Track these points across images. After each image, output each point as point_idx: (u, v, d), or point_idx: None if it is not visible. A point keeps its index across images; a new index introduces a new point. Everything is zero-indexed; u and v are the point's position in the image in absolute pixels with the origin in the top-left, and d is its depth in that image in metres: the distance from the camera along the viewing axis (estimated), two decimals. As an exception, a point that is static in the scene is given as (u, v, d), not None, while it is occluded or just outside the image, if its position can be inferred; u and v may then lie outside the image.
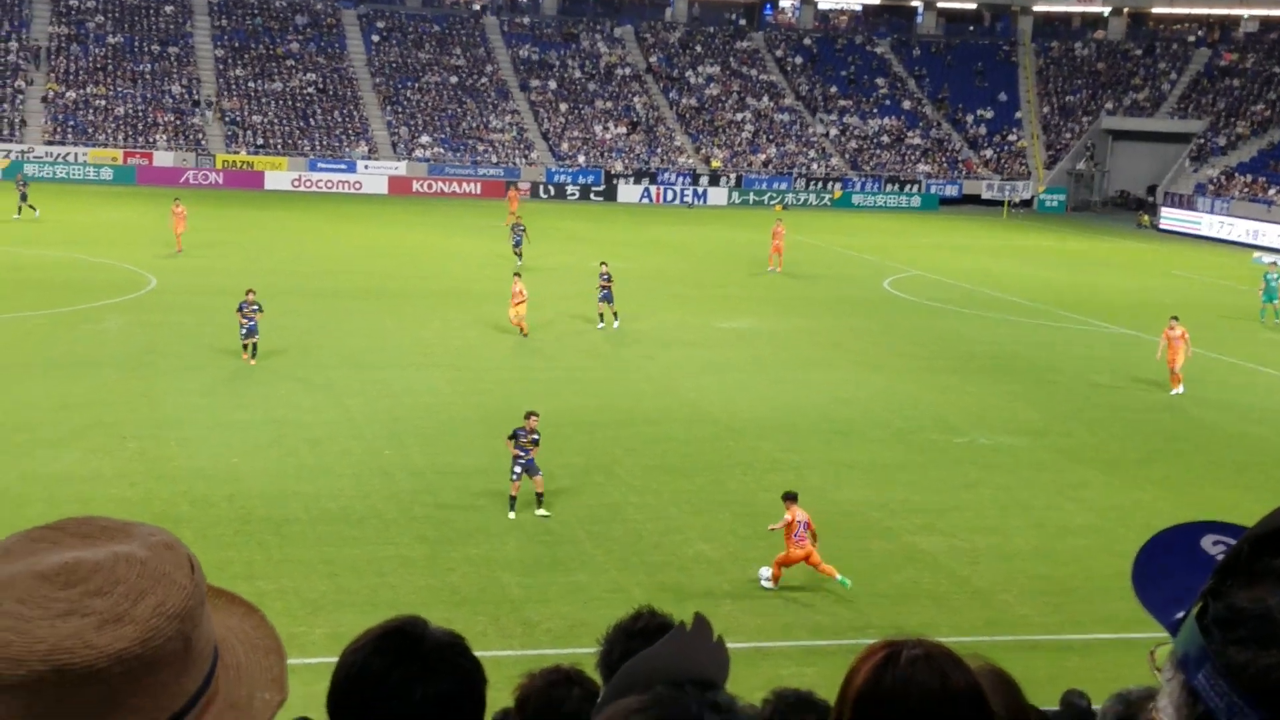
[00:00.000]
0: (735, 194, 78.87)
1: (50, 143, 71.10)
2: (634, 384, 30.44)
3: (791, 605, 18.22)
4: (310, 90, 79.91)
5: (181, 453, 23.26)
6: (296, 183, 72.47)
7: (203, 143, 73.87)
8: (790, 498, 18.86)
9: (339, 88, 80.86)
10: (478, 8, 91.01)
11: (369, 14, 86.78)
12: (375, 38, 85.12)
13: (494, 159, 78.11)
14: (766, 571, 18.62)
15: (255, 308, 29.44)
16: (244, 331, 29.79)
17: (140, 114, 74.83)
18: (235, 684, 1.60)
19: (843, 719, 1.92)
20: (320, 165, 74.11)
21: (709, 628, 2.14)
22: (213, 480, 21.80)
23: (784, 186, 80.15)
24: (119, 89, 76.11)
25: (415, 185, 74.82)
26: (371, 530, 20.06)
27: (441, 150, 77.85)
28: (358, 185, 73.57)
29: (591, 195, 77.05)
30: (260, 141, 75.14)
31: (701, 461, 24.46)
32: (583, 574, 18.97)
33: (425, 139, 78.31)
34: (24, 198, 52.35)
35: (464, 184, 75.64)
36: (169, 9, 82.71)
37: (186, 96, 77.02)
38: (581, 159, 79.71)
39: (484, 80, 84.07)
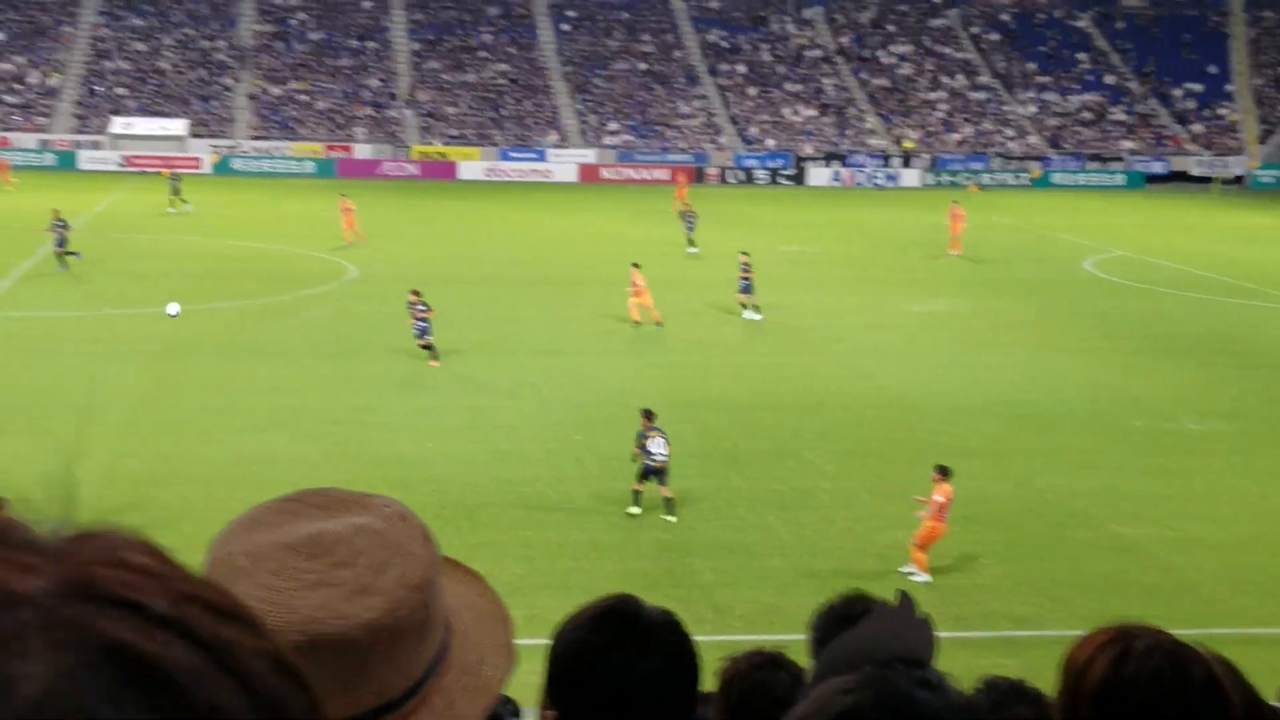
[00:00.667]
0: (929, 175, 77.41)
1: (256, 138, 73.77)
2: (825, 368, 30.08)
3: (990, 594, 17.74)
4: (502, 81, 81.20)
5: (380, 438, 23.82)
6: (488, 172, 73.76)
7: (399, 135, 75.72)
8: (943, 472, 18.28)
9: (530, 77, 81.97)
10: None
11: (559, 3, 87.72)
12: (565, 26, 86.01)
13: (682, 144, 78.20)
14: (921, 577, 18.00)
15: (422, 308, 29.55)
16: (416, 333, 29.39)
17: (340, 108, 77.09)
18: (466, 650, 1.64)
19: (1077, 710, 1.80)
20: (511, 154, 75.28)
21: (914, 605, 2.10)
22: (410, 465, 22.27)
23: (980, 166, 78.37)
24: (320, 84, 78.55)
25: (604, 172, 75.41)
26: (564, 515, 20.23)
27: (630, 137, 78.28)
28: (548, 173, 74.49)
29: (780, 179, 76.54)
30: (454, 132, 76.67)
31: (895, 447, 24.02)
32: (775, 559, 18.79)
33: (614, 126, 78.84)
34: (176, 192, 53.28)
35: (653, 170, 75.92)
36: (367, 4, 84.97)
37: (384, 90, 79.04)
38: (770, 142, 79.24)
39: (672, 66, 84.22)
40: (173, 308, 28.70)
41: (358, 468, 22.03)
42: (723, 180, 75.61)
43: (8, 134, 70.61)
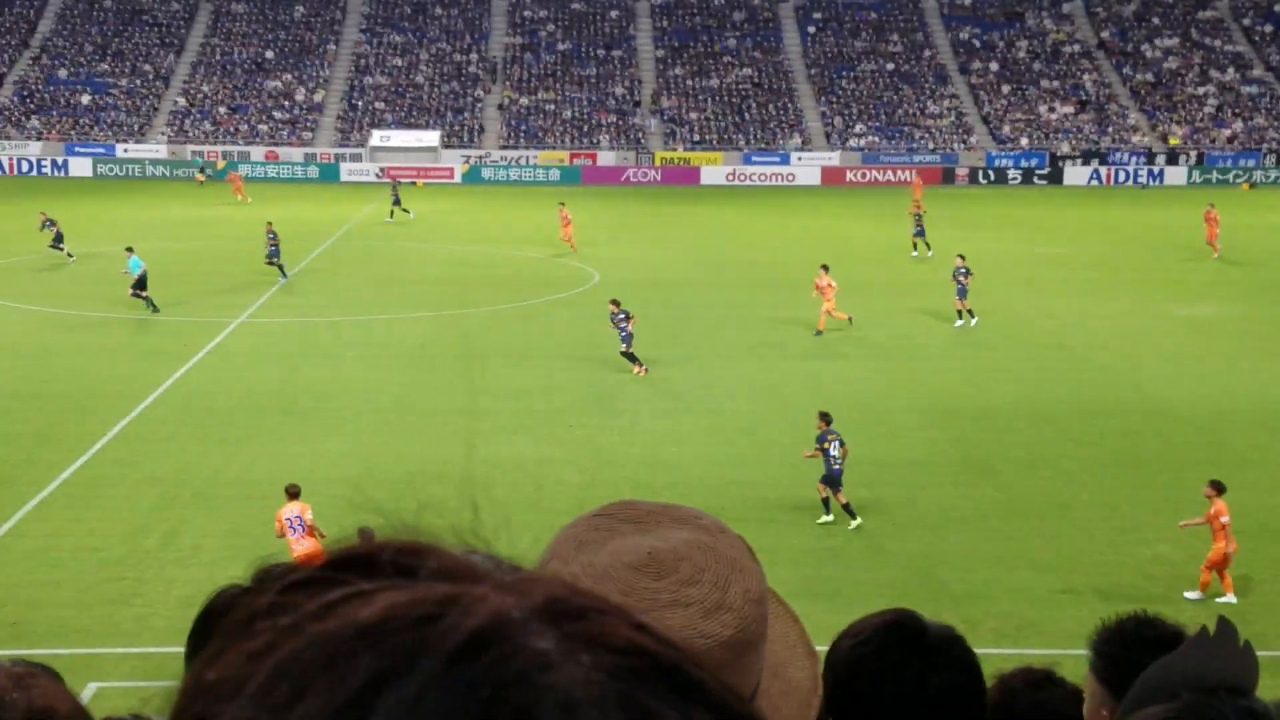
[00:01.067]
0: (1196, 173, 73.72)
1: (504, 147, 75.48)
2: (1084, 374, 28.75)
3: (1271, 613, 16.48)
4: (746, 85, 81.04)
5: (623, 440, 23.81)
6: (731, 177, 73.64)
7: (643, 141, 76.34)
8: (1217, 487, 17.06)
9: (774, 81, 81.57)
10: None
11: (805, 6, 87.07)
12: (811, 29, 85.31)
13: (930, 145, 76.53)
14: (1193, 594, 16.88)
15: (622, 316, 28.71)
16: (622, 342, 28.75)
17: (585, 116, 78.22)
18: (770, 653, 1.60)
19: None
20: (754, 159, 74.99)
21: (1235, 631, 2.06)
22: (654, 468, 22.16)
23: (1251, 163, 74.24)
24: (567, 93, 79.88)
25: (849, 175, 74.40)
26: (808, 520, 19.78)
27: (876, 139, 77.04)
28: (790, 177, 73.92)
29: (1035, 179, 74.10)
30: (697, 138, 76.86)
31: (1159, 457, 22.72)
32: (1028, 572, 17.93)
33: (859, 128, 77.73)
34: (397, 201, 54.18)
35: (899, 172, 74.50)
36: (614, 14, 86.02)
37: (628, 98, 79.86)
38: (1024, 141, 76.83)
39: (921, 65, 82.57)
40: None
41: (602, 470, 22.05)
42: (973, 181, 73.64)
43: (276, 148, 74.10)
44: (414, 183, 71.62)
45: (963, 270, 33.47)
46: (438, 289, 38.77)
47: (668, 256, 44.83)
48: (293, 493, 17.15)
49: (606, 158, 74.87)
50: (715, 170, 74.12)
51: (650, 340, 31.72)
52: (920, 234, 45.39)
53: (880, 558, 18.41)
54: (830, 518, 19.66)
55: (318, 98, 78.83)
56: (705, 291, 37.47)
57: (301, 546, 16.34)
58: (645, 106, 79.10)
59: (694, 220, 56.12)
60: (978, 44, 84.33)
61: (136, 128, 75.31)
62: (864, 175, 74.50)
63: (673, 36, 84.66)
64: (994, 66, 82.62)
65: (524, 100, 79.31)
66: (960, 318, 33.54)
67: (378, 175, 72.17)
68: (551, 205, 61.43)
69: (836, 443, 19.73)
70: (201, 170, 69.64)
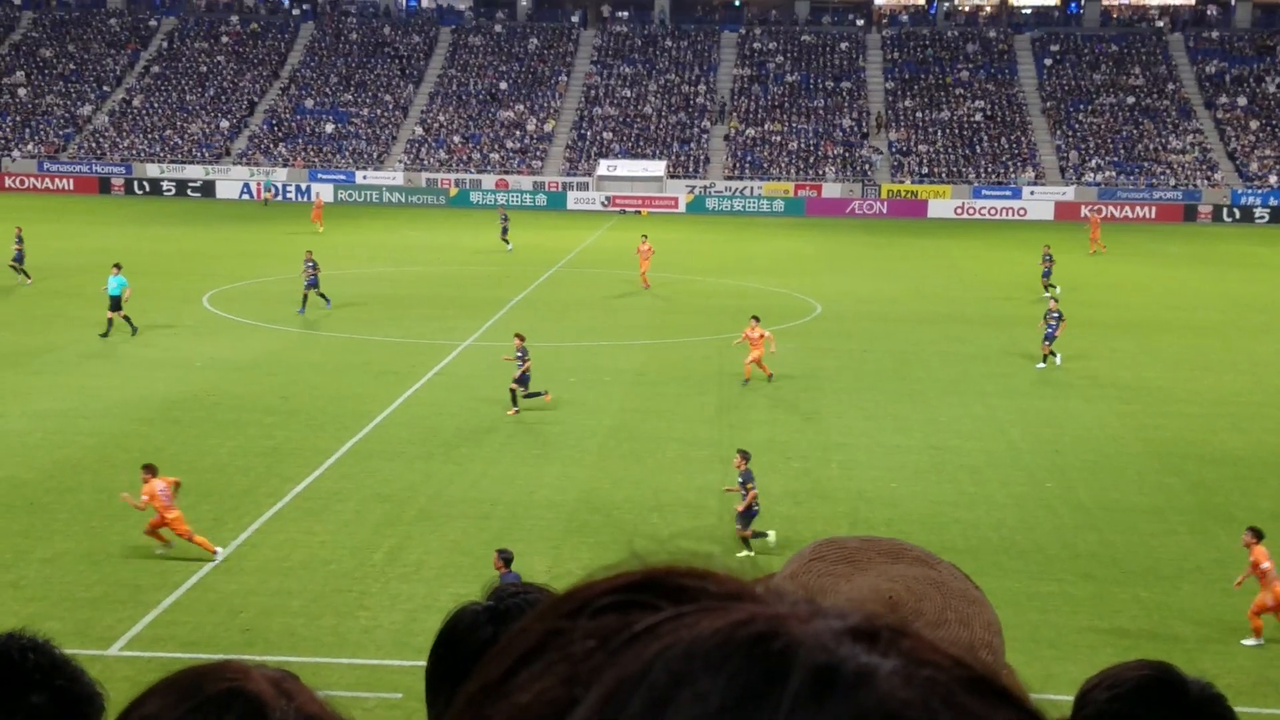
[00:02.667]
0: None
1: (729, 178, 75.73)
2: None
3: None
4: (978, 117, 79.57)
5: (842, 474, 23.47)
6: (959, 210, 72.29)
7: (869, 174, 75.60)
8: (1256, 534, 16.23)
9: (1007, 114, 79.88)
10: (1161, 24, 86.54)
11: (1043, 38, 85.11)
12: (1048, 61, 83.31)
13: (1171, 181, 73.71)
14: (1251, 641, 16.28)
15: (521, 353, 26.81)
16: (517, 379, 27.01)
17: (811, 148, 77.92)
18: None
19: None
20: (984, 192, 73.46)
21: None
22: (873, 503, 21.78)
23: None
24: (793, 125, 79.74)
25: (1084, 210, 72.18)
26: (1033, 564, 19.11)
27: (1113, 174, 74.61)
28: (1022, 212, 72.14)
29: (1283, 218, 70.69)
30: (925, 170, 75.73)
31: None
32: (1270, 628, 16.93)
33: (1095, 162, 75.41)
34: (505, 231, 53.65)
35: (1136, 208, 71.99)
36: (844, 46, 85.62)
37: (856, 130, 79.27)
38: (1273, 179, 73.33)
39: (1164, 99, 79.71)
40: None
41: (818, 504, 21.77)
42: (1216, 219, 70.61)
43: (507, 176, 76.00)
44: (639, 211, 72.51)
45: (1055, 314, 32.09)
46: (659, 317, 39.03)
47: (892, 290, 44.20)
48: (152, 470, 18.58)
49: (832, 189, 74.38)
50: (943, 203, 72.88)
51: (873, 374, 31.29)
52: (1047, 275, 43.21)
53: (1109, 606, 17.65)
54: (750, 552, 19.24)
55: (548, 128, 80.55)
56: (929, 326, 36.79)
57: (172, 513, 18.20)
58: (871, 141, 78.37)
59: (920, 253, 55.23)
60: (1226, 78, 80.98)
61: (375, 155, 78.24)
62: (1100, 211, 72.20)
63: (903, 68, 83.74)
64: (1242, 101, 79.19)
65: (750, 131, 79.49)
66: (1044, 360, 32.19)
67: (603, 204, 73.30)
68: (776, 236, 61.40)
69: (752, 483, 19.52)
70: (269, 190, 72.99)
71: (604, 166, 75.86)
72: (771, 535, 19.66)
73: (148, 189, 74.57)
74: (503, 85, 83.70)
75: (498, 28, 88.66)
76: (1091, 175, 74.49)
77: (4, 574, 17.70)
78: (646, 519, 20.55)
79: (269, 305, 39.15)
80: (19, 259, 42.11)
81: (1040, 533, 20.40)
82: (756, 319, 31.04)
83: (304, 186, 75.28)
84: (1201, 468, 23.88)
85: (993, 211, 71.88)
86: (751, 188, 74.63)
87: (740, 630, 0.70)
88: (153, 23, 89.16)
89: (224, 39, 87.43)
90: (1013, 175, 75.00)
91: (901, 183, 74.68)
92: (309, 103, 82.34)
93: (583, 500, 21.51)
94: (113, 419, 25.60)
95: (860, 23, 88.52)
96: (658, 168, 75.69)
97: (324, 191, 74.81)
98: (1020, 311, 40.21)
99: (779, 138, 78.83)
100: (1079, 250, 57.00)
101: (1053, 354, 32.25)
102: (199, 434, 24.78)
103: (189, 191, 74.59)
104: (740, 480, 19.58)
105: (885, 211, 72.67)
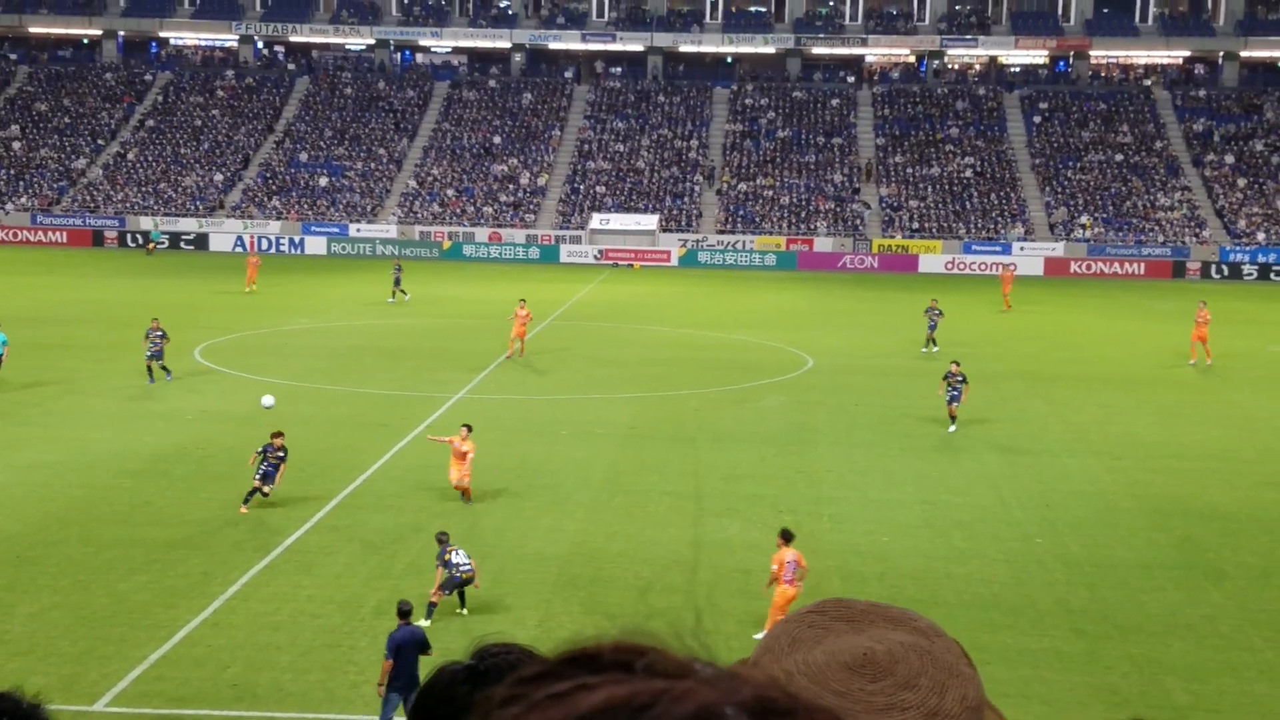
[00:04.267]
0: None
1: (721, 232, 76.06)
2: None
3: None
4: (968, 173, 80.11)
5: (834, 528, 23.45)
6: (950, 265, 72.63)
7: (860, 228, 75.97)
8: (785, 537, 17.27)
9: (997, 170, 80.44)
10: (1149, 83, 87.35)
11: (1032, 95, 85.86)
12: (1037, 119, 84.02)
13: (1160, 238, 74.18)
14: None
15: (279, 451, 23.46)
16: (259, 475, 23.42)
17: (803, 202, 78.35)
18: None
19: None
20: (975, 248, 73.84)
21: None
22: (864, 557, 21.75)
23: None
24: (785, 179, 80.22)
25: (1073, 266, 72.57)
26: (1025, 620, 19.06)
27: (1102, 230, 75.06)
28: (1012, 267, 72.39)
29: (1272, 275, 71.03)
30: (915, 225, 76.14)
31: None
32: (1260, 685, 16.92)
33: (1085, 219, 75.87)
34: (398, 282, 53.97)
35: (1126, 264, 72.40)
36: (835, 102, 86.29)
37: (847, 184, 79.75)
38: (1261, 236, 73.84)
39: (1152, 157, 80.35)
40: (267, 400, 28.46)
41: (810, 558, 21.69)
42: (1205, 276, 71.01)
43: (500, 229, 76.25)
44: (631, 265, 72.74)
45: (959, 377, 31.15)
46: (651, 370, 39.08)
47: (884, 344, 44.32)
48: None
49: (823, 244, 74.71)
50: (934, 258, 73.22)
51: (864, 428, 31.31)
52: (931, 330, 43.06)
53: (1101, 662, 17.60)
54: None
55: (541, 181, 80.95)
56: (920, 380, 36.85)
57: None
58: (863, 190, 78.84)
59: (911, 308, 55.40)
60: (1214, 136, 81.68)
61: (369, 209, 78.51)
62: (1089, 267, 72.55)
63: (894, 124, 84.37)
64: (1229, 159, 79.85)
65: (742, 186, 79.93)
66: (953, 421, 31.11)
67: (596, 257, 73.55)
68: (768, 290, 61.61)
69: (461, 551, 18.69)
70: (149, 239, 73.48)
71: (597, 220, 76.18)
72: None
73: (140, 241, 74.71)
74: (496, 139, 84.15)
75: (492, 83, 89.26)
76: (1081, 231, 74.93)
77: (-10, 627, 17.59)
78: (638, 572, 20.49)
79: (260, 358, 39.16)
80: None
81: (1031, 588, 20.37)
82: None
83: (297, 239, 75.45)
84: (1190, 523, 23.89)
85: (983, 267, 72.19)
86: (744, 242, 74.95)
87: (625, 701, 0.81)
88: (148, 77, 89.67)
89: (219, 93, 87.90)
90: (1003, 231, 75.42)
91: (892, 237, 75.03)
92: (303, 156, 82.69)
93: (574, 552, 21.46)
94: (101, 472, 25.53)
95: (851, 79, 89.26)
96: (650, 221, 76.04)
97: (317, 244, 74.97)
98: (1012, 367, 40.31)
99: (771, 192, 79.27)
100: (1068, 305, 57.26)
101: (952, 418, 30.90)
102: (188, 487, 24.71)
103: (182, 244, 74.75)
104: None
105: (877, 266, 72.97)
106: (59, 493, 24.08)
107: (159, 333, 34.24)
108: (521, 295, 41.98)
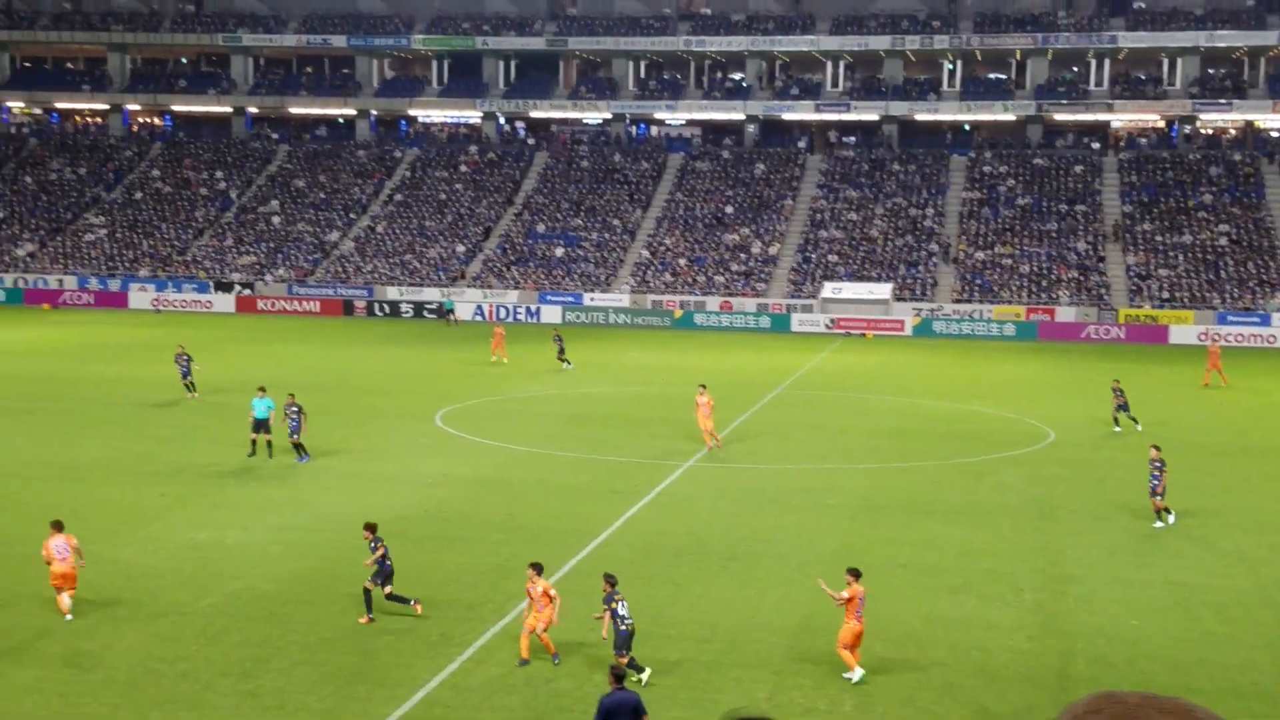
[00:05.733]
0: None
1: (957, 301, 74.63)
2: None
3: None
4: (1222, 241, 76.83)
5: (1079, 609, 22.47)
6: (1203, 336, 69.52)
7: (1105, 298, 73.53)
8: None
9: (1254, 238, 76.93)
10: None
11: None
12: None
13: None
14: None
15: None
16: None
17: (1044, 271, 76.33)
18: None
19: None
20: (1230, 318, 70.56)
21: None
22: (1111, 640, 20.74)
23: None
24: (1024, 248, 78.36)
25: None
26: (1289, 713, 17.83)
27: (1370, 299, 70.88)
28: (1271, 339, 69.00)
29: None
30: (1165, 294, 73.27)
31: None
32: None
33: (1350, 287, 71.78)
34: (561, 351, 53.44)
35: (1397, 335, 68.07)
36: (1078, 169, 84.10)
37: (1090, 253, 77.39)
38: None
39: None
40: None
41: (1052, 639, 20.86)
42: None
43: (731, 298, 76.54)
44: (863, 334, 72.00)
45: (1158, 463, 28.36)
46: (884, 441, 38.44)
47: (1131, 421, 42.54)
48: (58, 526, 21.33)
49: (1065, 313, 72.54)
50: (1185, 329, 70.26)
51: (1111, 504, 30.03)
52: (1123, 408, 40.45)
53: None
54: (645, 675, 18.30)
55: (773, 250, 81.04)
56: (1172, 456, 35.23)
57: (63, 567, 20.64)
58: (1108, 251, 76.32)
59: (1162, 380, 53.21)
60: None
61: (603, 278, 79.91)
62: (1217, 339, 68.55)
63: (1142, 191, 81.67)
64: None
65: (979, 254, 78.42)
66: (1159, 517, 28.23)
67: (828, 326, 73.09)
68: (1007, 360, 60.12)
69: (623, 603, 18.54)
70: (446, 310, 75.69)
71: (829, 289, 75.77)
72: None
73: (388, 310, 77.72)
74: (729, 209, 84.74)
75: (725, 154, 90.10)
76: (1346, 300, 70.89)
77: (243, 682, 18.25)
78: (870, 647, 20.00)
79: (498, 423, 40.04)
80: (186, 374, 43.50)
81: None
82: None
83: (534, 308, 77.28)
84: None
85: (1239, 338, 68.89)
86: (981, 311, 73.37)
87: None
88: (397, 154, 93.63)
89: (463, 168, 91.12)
90: (1261, 301, 71.89)
91: (1140, 307, 72.35)
92: (540, 227, 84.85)
93: (804, 625, 21.10)
94: (346, 533, 26.38)
95: (1096, 146, 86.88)
96: (884, 290, 75.21)
97: (552, 313, 76.61)
98: (1258, 442, 38.19)
99: (1009, 260, 77.52)
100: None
101: (1166, 511, 28.16)
102: (428, 549, 25.32)
103: (425, 313, 77.41)
104: (605, 604, 18.80)
105: (1123, 336, 70.42)
106: (307, 552, 24.98)
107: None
108: (702, 381, 38.86)
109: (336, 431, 37.69)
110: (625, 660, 18.14)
